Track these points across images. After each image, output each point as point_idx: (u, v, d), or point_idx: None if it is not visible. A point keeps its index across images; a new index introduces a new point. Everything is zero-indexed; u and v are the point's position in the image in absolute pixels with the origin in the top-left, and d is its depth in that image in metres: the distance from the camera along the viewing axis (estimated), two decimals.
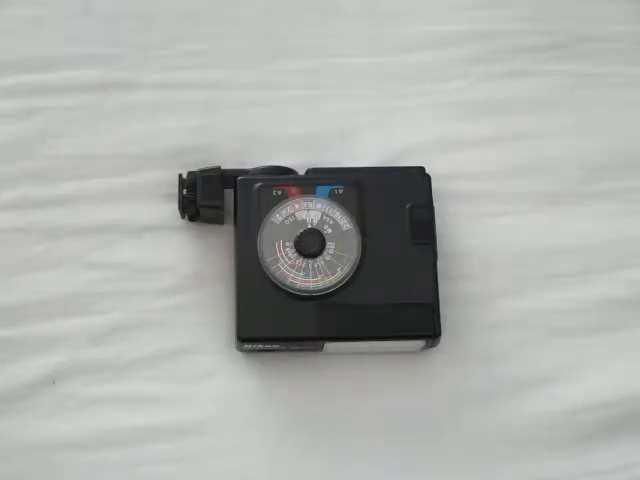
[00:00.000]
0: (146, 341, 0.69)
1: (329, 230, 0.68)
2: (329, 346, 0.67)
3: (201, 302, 0.70)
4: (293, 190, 0.69)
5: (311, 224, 0.68)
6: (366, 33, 0.78)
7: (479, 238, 0.72)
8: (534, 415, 0.68)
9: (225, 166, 0.71)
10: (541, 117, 0.76)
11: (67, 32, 0.76)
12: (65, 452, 0.66)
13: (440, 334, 0.66)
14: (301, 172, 0.71)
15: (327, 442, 0.67)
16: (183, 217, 0.71)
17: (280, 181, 0.69)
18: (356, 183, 0.69)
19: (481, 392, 0.68)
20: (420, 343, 0.67)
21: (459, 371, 0.69)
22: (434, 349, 0.68)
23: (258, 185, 0.69)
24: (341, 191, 0.69)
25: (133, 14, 0.77)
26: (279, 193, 0.68)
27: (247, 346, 0.67)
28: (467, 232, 0.72)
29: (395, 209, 0.69)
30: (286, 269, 0.67)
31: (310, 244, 0.67)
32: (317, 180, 0.69)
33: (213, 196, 0.69)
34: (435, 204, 0.69)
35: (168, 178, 0.72)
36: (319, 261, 0.67)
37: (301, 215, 0.68)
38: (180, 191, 0.70)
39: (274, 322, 0.66)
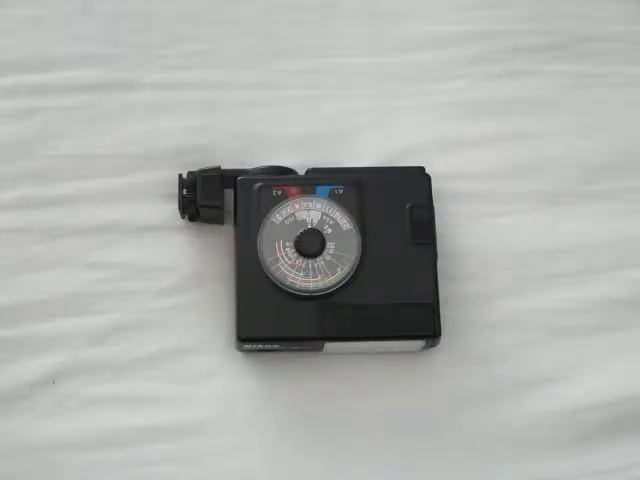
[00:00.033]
0: (146, 341, 0.69)
1: (329, 230, 0.68)
2: (329, 346, 0.67)
3: (201, 302, 0.70)
4: (293, 190, 0.69)
5: (311, 224, 0.68)
6: (366, 33, 0.78)
7: (479, 238, 0.72)
8: (534, 415, 0.68)
9: (225, 166, 0.71)
10: (541, 117, 0.76)
11: (67, 32, 0.76)
12: (65, 452, 0.66)
13: (440, 334, 0.66)
14: (301, 172, 0.71)
15: (327, 442, 0.67)
16: (183, 217, 0.71)
17: (280, 181, 0.69)
18: (356, 183, 0.69)
19: (481, 392, 0.68)
20: (420, 343, 0.67)
21: (459, 371, 0.69)
22: (434, 349, 0.68)
23: (258, 185, 0.69)
24: (341, 191, 0.69)
25: (133, 14, 0.77)
26: (279, 193, 0.68)
27: (247, 346, 0.67)
28: (467, 232, 0.72)
29: (395, 209, 0.69)
30: (286, 269, 0.67)
31: (310, 244, 0.67)
32: (317, 180, 0.69)
33: (213, 196, 0.69)
34: (435, 204, 0.69)
35: (168, 178, 0.72)
36: (319, 261, 0.67)
37: (301, 215, 0.68)
38: (180, 191, 0.70)
39: (274, 322, 0.66)
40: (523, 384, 0.69)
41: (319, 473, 0.67)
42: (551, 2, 0.79)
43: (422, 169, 0.70)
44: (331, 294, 0.66)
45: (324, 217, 0.68)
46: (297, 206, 0.68)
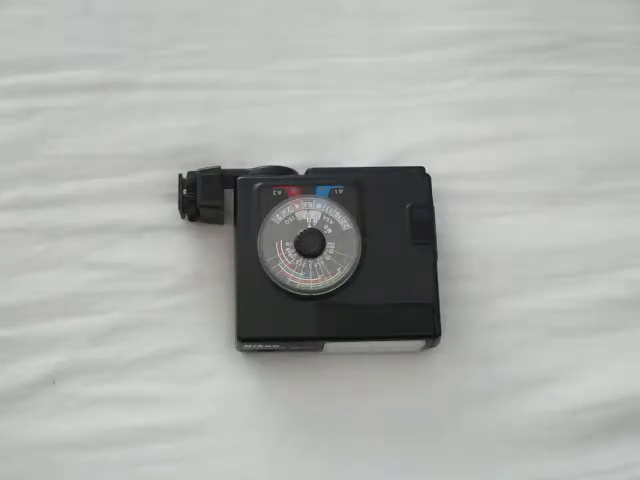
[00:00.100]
0: (146, 341, 0.69)
1: (329, 230, 0.68)
2: (329, 346, 0.67)
3: (201, 302, 0.70)
4: (293, 190, 0.69)
5: (311, 224, 0.68)
6: (366, 33, 0.78)
7: (479, 238, 0.72)
8: (534, 415, 0.68)
9: (225, 166, 0.71)
10: (541, 117, 0.76)
11: (67, 32, 0.76)
12: (65, 452, 0.66)
13: (440, 334, 0.66)
14: (301, 172, 0.71)
15: (327, 442, 0.67)
16: (183, 217, 0.71)
17: (280, 181, 0.69)
18: (356, 183, 0.69)
19: (481, 392, 0.68)
20: (420, 343, 0.67)
21: (459, 371, 0.69)
22: (434, 349, 0.68)
23: (258, 185, 0.69)
24: (341, 191, 0.69)
25: (133, 14, 0.77)
26: (279, 193, 0.68)
27: (247, 346, 0.67)
28: (467, 232, 0.72)
29: (395, 209, 0.69)
30: (286, 269, 0.67)
31: (310, 244, 0.67)
32: (317, 180, 0.69)
33: (213, 196, 0.69)
34: (435, 204, 0.69)
35: (168, 178, 0.72)
36: (319, 261, 0.67)
37: (301, 215, 0.68)
38: (180, 191, 0.70)
39: (274, 322, 0.66)
40: (523, 384, 0.69)
41: (319, 473, 0.67)
42: (551, 2, 0.79)
43: (422, 169, 0.70)
44: (331, 294, 0.66)
45: (324, 217, 0.68)
46: (297, 206, 0.68)
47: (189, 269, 0.70)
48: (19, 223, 0.71)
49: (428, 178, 0.70)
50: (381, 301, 0.66)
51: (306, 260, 0.67)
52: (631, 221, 0.73)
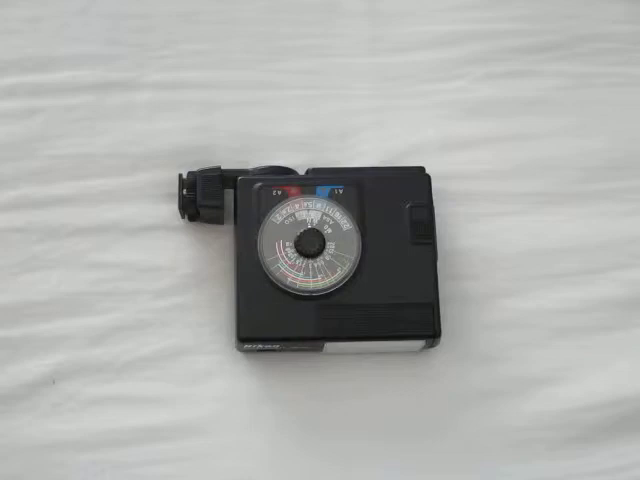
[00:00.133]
0: (146, 341, 0.69)
1: (329, 230, 0.68)
2: (329, 346, 0.67)
3: (201, 302, 0.70)
4: (293, 190, 0.69)
5: (311, 224, 0.68)
6: (366, 33, 0.78)
7: (479, 238, 0.72)
8: (534, 415, 0.68)
9: (225, 166, 0.71)
10: (541, 117, 0.76)
11: (67, 32, 0.76)
12: (65, 452, 0.66)
13: (440, 334, 0.66)
14: (301, 172, 0.71)
15: (327, 442, 0.67)
16: (183, 217, 0.71)
17: (280, 181, 0.69)
18: (356, 183, 0.69)
19: (481, 392, 0.68)
20: (420, 343, 0.67)
21: (459, 371, 0.69)
22: (434, 349, 0.68)
23: (258, 185, 0.69)
24: (341, 191, 0.69)
25: (133, 14, 0.77)
26: (279, 193, 0.68)
27: (247, 346, 0.67)
28: (467, 232, 0.72)
29: (395, 209, 0.69)
30: (286, 269, 0.67)
31: (310, 244, 0.67)
32: (317, 180, 0.69)
33: (213, 196, 0.69)
34: (435, 204, 0.69)
35: (168, 178, 0.72)
36: (319, 261, 0.67)
37: (301, 215, 0.68)
38: (180, 191, 0.70)
39: (274, 322, 0.66)
40: (523, 384, 0.69)
41: (319, 473, 0.67)
42: (551, 2, 0.79)
43: (422, 169, 0.70)
44: (331, 294, 0.66)
45: (324, 217, 0.68)
46: (297, 206, 0.68)
47: (189, 269, 0.70)
48: (19, 223, 0.71)
49: (428, 178, 0.70)
50: (381, 301, 0.66)
51: (306, 260, 0.67)
52: (631, 221, 0.73)
